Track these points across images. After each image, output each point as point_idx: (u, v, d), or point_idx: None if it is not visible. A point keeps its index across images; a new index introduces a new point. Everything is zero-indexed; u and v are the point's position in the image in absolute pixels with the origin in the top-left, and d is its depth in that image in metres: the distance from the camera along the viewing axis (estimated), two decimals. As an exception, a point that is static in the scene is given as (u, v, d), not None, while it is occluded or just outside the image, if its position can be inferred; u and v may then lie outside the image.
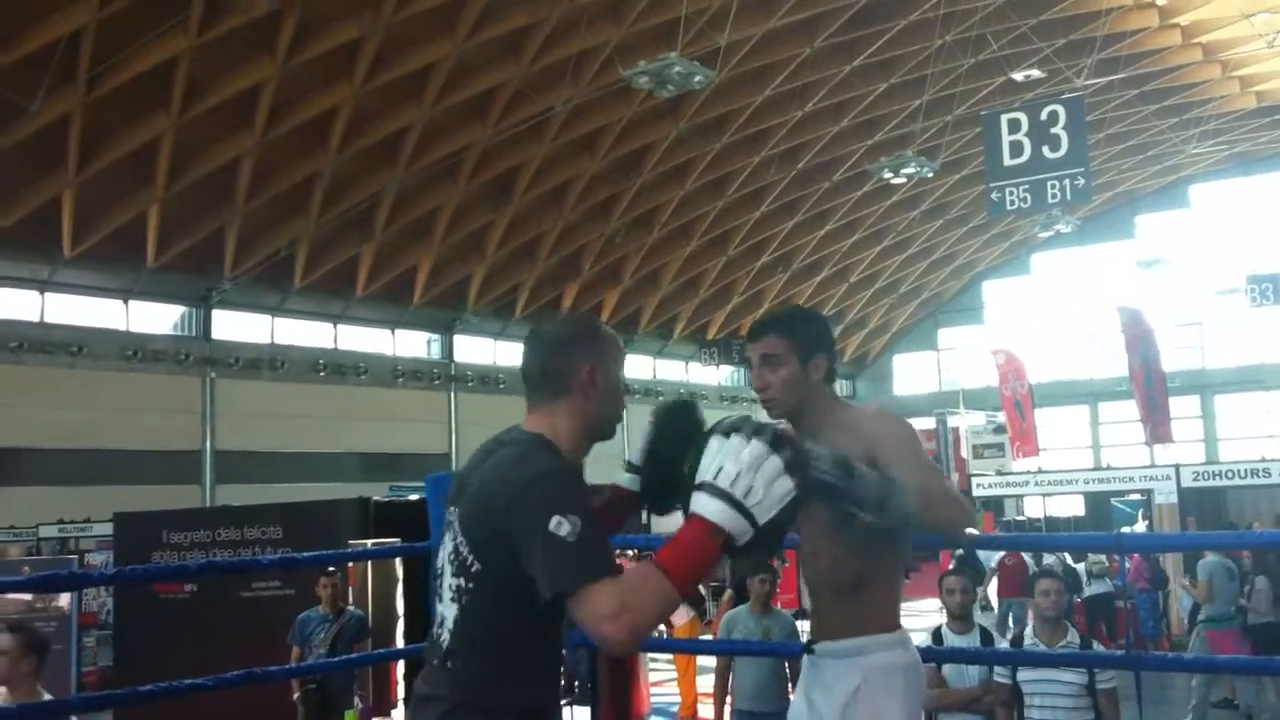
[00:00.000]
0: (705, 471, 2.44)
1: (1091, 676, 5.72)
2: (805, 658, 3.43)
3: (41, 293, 25.58)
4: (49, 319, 25.67)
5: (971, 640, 6.41)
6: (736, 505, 2.38)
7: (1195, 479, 17.50)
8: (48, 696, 5.32)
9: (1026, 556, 15.81)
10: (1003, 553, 16.31)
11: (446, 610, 2.64)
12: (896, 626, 3.29)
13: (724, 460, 2.43)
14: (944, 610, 6.78)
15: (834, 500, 2.83)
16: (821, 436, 3.15)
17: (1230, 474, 17.97)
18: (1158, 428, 21.70)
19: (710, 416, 2.89)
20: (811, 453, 2.71)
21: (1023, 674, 5.88)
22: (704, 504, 2.41)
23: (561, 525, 2.41)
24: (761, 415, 2.92)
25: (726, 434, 2.47)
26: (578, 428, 2.72)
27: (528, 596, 2.47)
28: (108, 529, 17.02)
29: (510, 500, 2.49)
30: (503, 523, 2.49)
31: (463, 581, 2.59)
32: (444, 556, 2.68)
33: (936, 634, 6.51)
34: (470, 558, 2.57)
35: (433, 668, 2.66)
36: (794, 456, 2.45)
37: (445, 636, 2.63)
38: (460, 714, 2.57)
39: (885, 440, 3.14)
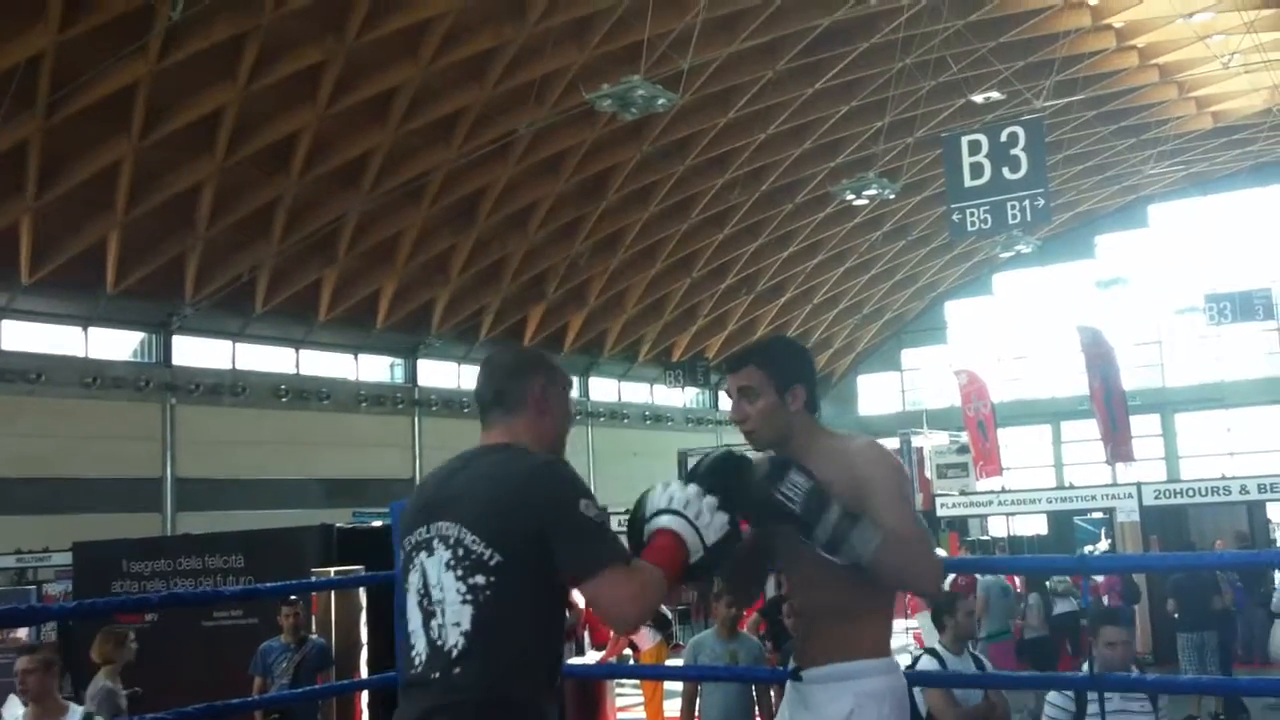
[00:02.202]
0: (657, 503, 2.89)
1: (1156, 717, 5.37)
2: (789, 685, 3.39)
3: (-1, 320, 25.33)
4: (6, 346, 25.39)
5: (965, 662, 6.43)
6: (690, 524, 2.82)
7: (1157, 497, 17.62)
8: (72, 706, 5.39)
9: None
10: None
11: (451, 618, 2.69)
12: (887, 652, 3.30)
13: (671, 492, 2.89)
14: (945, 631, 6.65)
15: (789, 525, 3.06)
16: (806, 466, 3.22)
17: (1191, 492, 18.11)
18: (1119, 446, 21.85)
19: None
20: (790, 478, 3.00)
21: None
22: (667, 521, 2.84)
23: (590, 508, 2.67)
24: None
25: (665, 485, 2.94)
26: (535, 440, 2.88)
27: (549, 583, 2.70)
28: (67, 558, 16.81)
29: (532, 490, 2.70)
30: (526, 512, 2.67)
31: (481, 579, 2.67)
32: (434, 573, 2.74)
33: (932, 654, 6.52)
34: (488, 553, 2.67)
35: (433, 682, 2.68)
36: (724, 499, 2.90)
37: (455, 643, 2.67)
38: (479, 712, 2.63)
39: (874, 479, 3.17)
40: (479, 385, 3.02)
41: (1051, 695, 5.55)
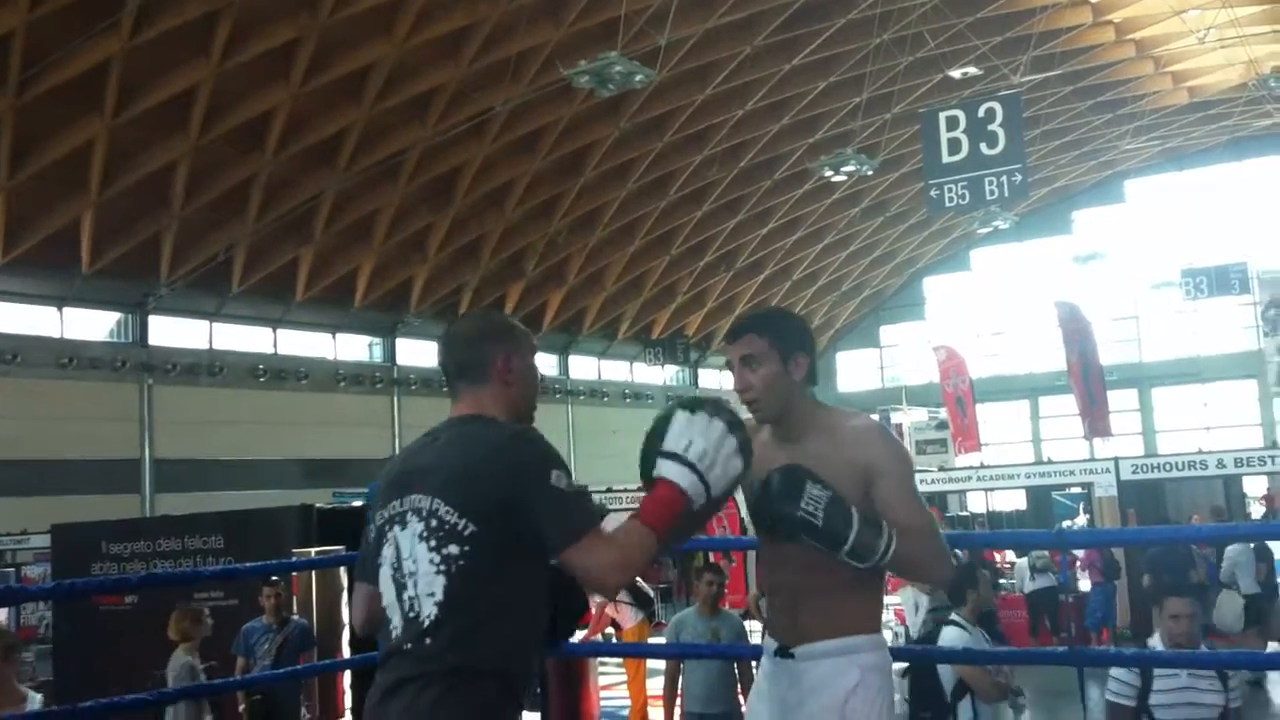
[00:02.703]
0: (674, 444, 2.80)
1: (1226, 696, 5.11)
2: (770, 665, 3.33)
3: (-27, 301, 25.15)
4: (-19, 327, 25.24)
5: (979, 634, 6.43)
6: (699, 475, 2.76)
7: (1134, 472, 17.70)
8: (29, 693, 5.31)
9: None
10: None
11: (424, 589, 2.68)
12: (880, 629, 3.31)
13: (692, 435, 2.80)
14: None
15: (810, 538, 3.02)
16: (807, 441, 3.23)
17: (1168, 466, 18.19)
18: (1096, 421, 21.96)
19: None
20: (809, 492, 2.98)
21: (1157, 696, 5.12)
22: (674, 471, 2.76)
23: (560, 479, 2.67)
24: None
25: (692, 410, 2.85)
26: (502, 410, 2.88)
27: (524, 553, 2.66)
28: (45, 541, 16.72)
29: (504, 459, 2.70)
30: (499, 480, 2.66)
31: (454, 549, 2.66)
32: (407, 546, 2.74)
33: (956, 625, 6.44)
34: (462, 522, 2.66)
35: (405, 652, 2.69)
36: (745, 440, 2.84)
37: (429, 613, 2.66)
38: (447, 680, 2.62)
39: (885, 469, 3.14)
40: (441, 357, 3.03)
41: (1115, 671, 5.31)
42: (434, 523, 2.69)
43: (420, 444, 2.93)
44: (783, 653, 3.28)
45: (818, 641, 3.19)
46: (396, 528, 2.76)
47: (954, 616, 6.51)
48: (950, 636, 6.36)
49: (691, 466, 2.75)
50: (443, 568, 2.66)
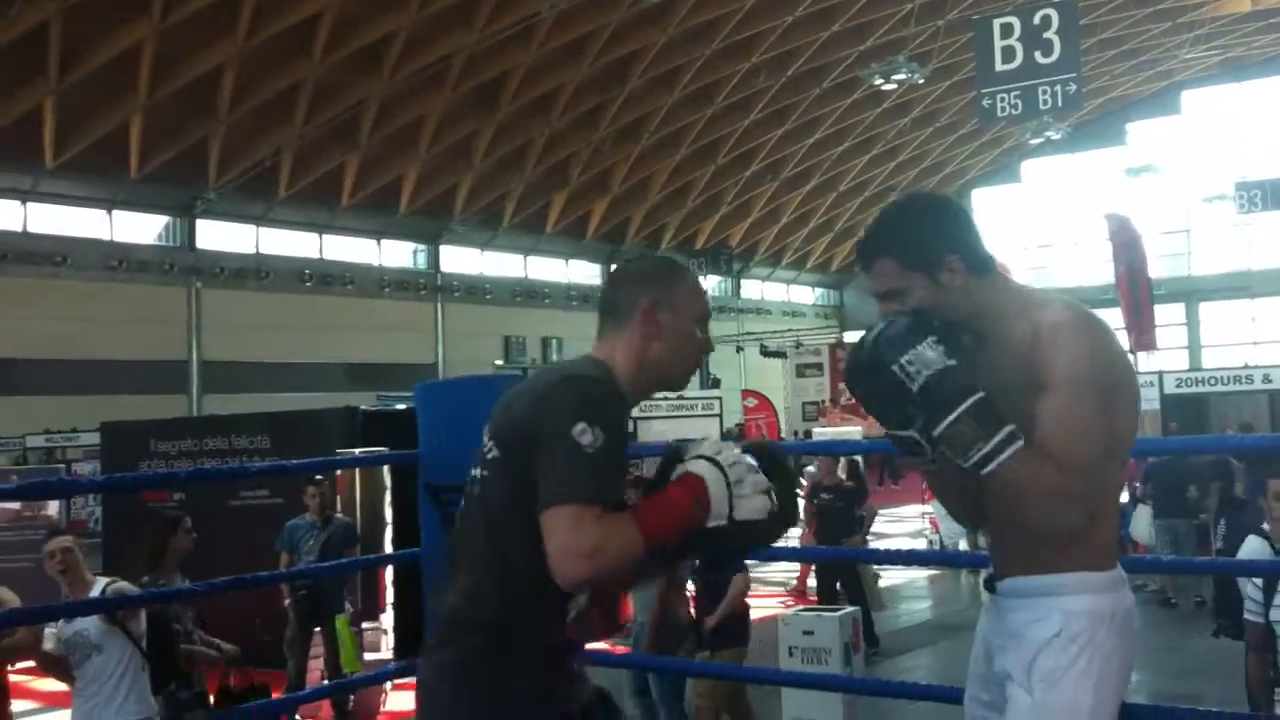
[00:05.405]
0: (706, 448, 2.41)
1: None
2: (986, 599, 2.77)
3: (24, 203, 25.38)
4: (32, 229, 25.51)
5: None
6: (728, 485, 2.34)
7: (1178, 386, 17.63)
8: (94, 578, 5.52)
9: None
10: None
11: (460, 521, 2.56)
12: (1105, 565, 2.57)
13: (723, 448, 2.41)
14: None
15: (892, 406, 2.54)
16: (989, 347, 2.59)
17: (1212, 380, 18.10)
18: (1142, 335, 21.65)
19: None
20: (921, 350, 2.45)
21: (1277, 612, 4.57)
22: (702, 467, 2.37)
23: (585, 433, 2.28)
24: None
25: (715, 442, 2.46)
26: (634, 364, 2.53)
27: (535, 498, 2.31)
28: (95, 439, 17.05)
29: (544, 390, 2.41)
30: (526, 413, 2.38)
31: (478, 472, 2.49)
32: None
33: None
34: (490, 444, 2.46)
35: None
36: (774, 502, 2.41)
37: (454, 543, 2.54)
38: (447, 629, 2.48)
39: (1051, 377, 2.47)
40: (600, 293, 2.70)
41: (1248, 589, 4.72)
42: (480, 451, 2.52)
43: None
44: (988, 584, 2.72)
45: (1019, 577, 2.59)
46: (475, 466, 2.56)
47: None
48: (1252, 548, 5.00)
49: (721, 469, 2.35)
50: (470, 490, 2.52)
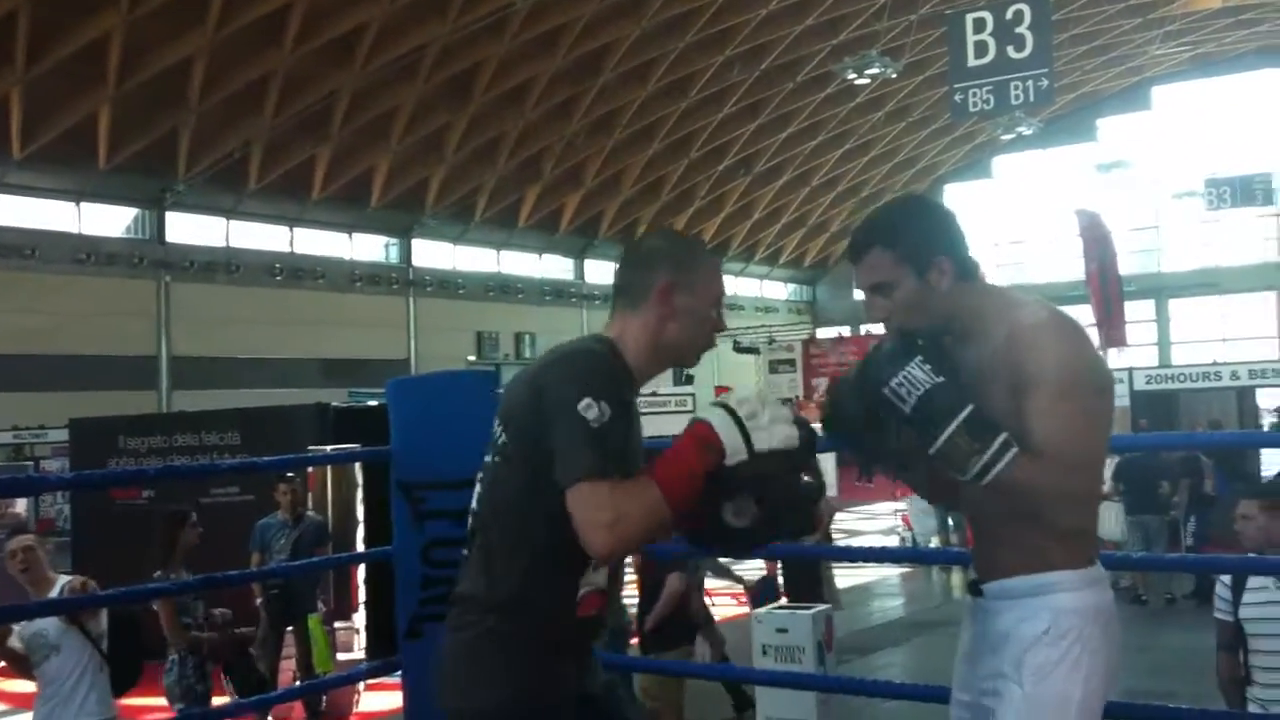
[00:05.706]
0: (719, 400, 2.43)
1: None
2: (969, 603, 2.76)
3: (-10, 194, 25.14)
4: (-1, 221, 25.27)
5: None
6: (736, 420, 2.34)
7: (1148, 382, 17.70)
8: (56, 576, 5.45)
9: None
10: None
11: (472, 504, 2.57)
12: (1091, 561, 2.62)
13: (735, 391, 2.43)
14: None
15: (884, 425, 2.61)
16: (970, 346, 2.62)
17: (1182, 377, 18.19)
18: (1112, 331, 21.82)
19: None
20: (910, 369, 2.48)
21: (1247, 610, 4.70)
22: (706, 412, 2.40)
23: (590, 408, 2.31)
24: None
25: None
26: (646, 342, 2.54)
27: (545, 480, 2.34)
28: (63, 435, 16.89)
29: (546, 367, 2.45)
30: (531, 394, 2.41)
31: (489, 458, 2.51)
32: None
33: None
34: (499, 427, 2.49)
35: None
36: (808, 425, 2.42)
37: (470, 527, 2.55)
38: (458, 609, 2.50)
39: (1036, 376, 2.48)
40: (615, 272, 2.68)
41: (1218, 587, 4.88)
42: (492, 433, 2.54)
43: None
44: (973, 589, 2.72)
45: (1006, 578, 2.60)
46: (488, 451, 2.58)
47: None
48: None
49: (727, 408, 2.35)
50: (481, 476, 2.55)
